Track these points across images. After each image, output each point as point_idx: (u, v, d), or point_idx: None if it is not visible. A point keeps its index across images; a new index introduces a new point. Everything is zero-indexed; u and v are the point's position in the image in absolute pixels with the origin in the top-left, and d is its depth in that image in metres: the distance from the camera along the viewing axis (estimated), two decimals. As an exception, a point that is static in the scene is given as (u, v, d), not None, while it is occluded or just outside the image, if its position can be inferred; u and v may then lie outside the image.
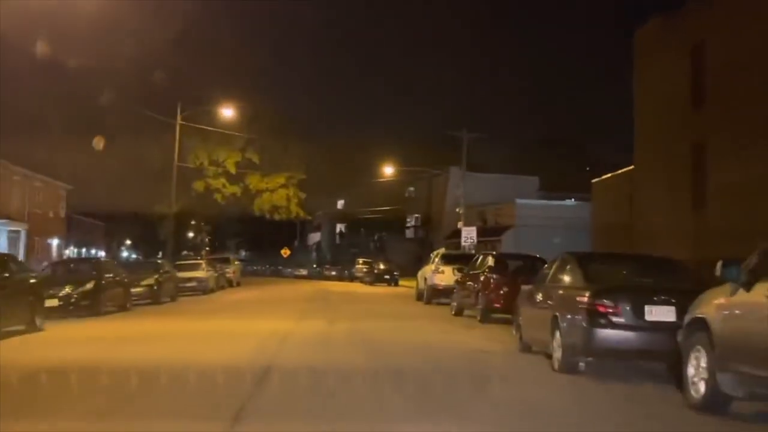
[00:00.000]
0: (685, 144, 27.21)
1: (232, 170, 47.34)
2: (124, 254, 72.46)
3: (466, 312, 22.27)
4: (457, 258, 28.75)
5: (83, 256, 59.15)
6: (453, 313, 22.76)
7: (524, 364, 11.97)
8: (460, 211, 60.14)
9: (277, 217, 51.53)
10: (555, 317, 10.84)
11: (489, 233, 66.74)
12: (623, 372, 10.75)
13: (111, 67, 44.67)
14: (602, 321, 9.96)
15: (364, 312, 23.60)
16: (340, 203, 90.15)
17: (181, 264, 39.66)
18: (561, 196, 69.38)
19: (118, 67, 44.86)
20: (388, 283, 53.24)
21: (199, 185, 47.80)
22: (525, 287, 13.45)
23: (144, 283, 28.10)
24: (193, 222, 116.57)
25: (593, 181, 38.95)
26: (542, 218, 64.12)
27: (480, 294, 20.07)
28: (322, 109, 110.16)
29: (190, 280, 36.57)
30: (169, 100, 42.95)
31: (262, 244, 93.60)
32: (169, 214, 43.49)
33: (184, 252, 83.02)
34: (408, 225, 77.93)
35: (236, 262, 49.60)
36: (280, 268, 78.25)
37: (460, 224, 60.78)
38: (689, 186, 26.82)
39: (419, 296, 31.13)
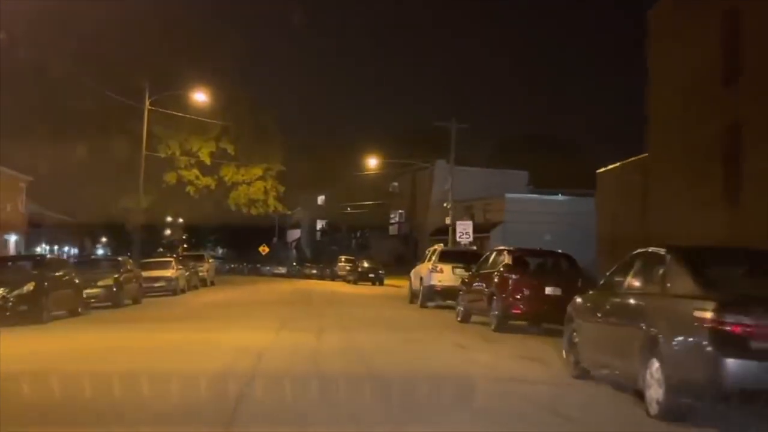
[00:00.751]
0: (714, 126, 23.92)
1: (206, 161, 43.67)
2: (100, 251, 68.46)
3: (474, 318, 18.91)
4: (457, 255, 25.39)
5: (46, 253, 55.19)
6: (459, 319, 19.36)
7: (598, 403, 8.56)
8: (448, 206, 56.77)
9: (254, 211, 47.84)
10: (652, 339, 7.42)
11: (477, 230, 63.35)
12: (737, 417, 7.35)
13: (74, 49, 40.97)
14: (737, 347, 6.65)
15: (355, 319, 20.16)
16: (321, 199, 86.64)
17: (147, 262, 36.05)
18: (550, 191, 66.30)
19: (81, 50, 41.19)
20: (372, 282, 49.85)
21: (170, 177, 44.06)
22: (583, 295, 10.03)
23: (101, 283, 24.53)
24: (169, 219, 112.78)
25: (598, 171, 35.69)
26: (532, 214, 61.04)
27: (495, 298, 16.69)
28: (302, 99, 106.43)
29: (157, 279, 32.98)
30: (138, 84, 39.27)
31: (239, 242, 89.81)
32: (137, 208, 39.78)
33: (160, 250, 79.77)
34: (391, 221, 74.55)
35: (210, 260, 45.98)
36: (258, 266, 74.53)
37: (448, 220, 57.43)
38: (719, 175, 23.54)
39: (413, 298, 27.77)
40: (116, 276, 25.48)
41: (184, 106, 41.34)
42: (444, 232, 68.97)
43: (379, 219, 71.53)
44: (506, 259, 17.23)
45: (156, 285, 32.98)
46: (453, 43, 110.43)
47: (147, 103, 38.81)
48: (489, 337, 15.44)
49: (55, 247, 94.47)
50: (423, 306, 25.13)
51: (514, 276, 16.43)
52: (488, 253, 19.03)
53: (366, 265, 51.33)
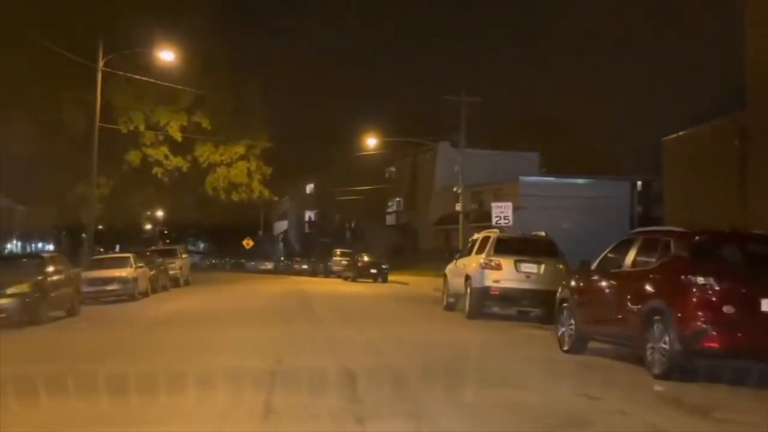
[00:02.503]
0: None
1: (177, 137, 35.80)
2: (49, 248, 60.51)
3: (593, 345, 11.35)
4: (522, 245, 17.72)
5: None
6: (565, 348, 11.64)
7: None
8: (459, 191, 49.23)
9: (235, 197, 39.91)
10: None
11: (485, 218, 55.85)
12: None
13: None
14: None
15: (393, 348, 12.48)
16: (310, 188, 78.89)
17: (99, 260, 28.32)
18: (563, 175, 58.91)
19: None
20: (374, 278, 42.30)
21: (133, 156, 36.13)
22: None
23: (12, 291, 16.79)
24: (148, 212, 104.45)
25: (666, 138, 28.19)
26: (549, 198, 53.70)
27: (664, 318, 9.04)
28: (287, 74, 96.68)
29: (108, 281, 25.27)
30: (93, 42, 31.43)
31: (221, 235, 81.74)
32: (90, 194, 31.95)
33: (142, 247, 72.23)
34: (389, 210, 66.90)
35: (185, 255, 38.14)
36: (242, 261, 66.67)
37: (458, 206, 49.84)
38: None
39: (450, 304, 20.22)
40: (39, 279, 17.77)
41: (147, 71, 33.51)
42: (451, 221, 61.32)
43: (375, 208, 63.88)
44: (680, 248, 9.44)
45: (108, 288, 25.30)
46: (456, 20, 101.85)
47: (100, 62, 30.94)
48: (670, 396, 7.87)
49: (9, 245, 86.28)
50: (472, 317, 17.55)
51: (707, 281, 8.74)
52: (629, 237, 11.08)
53: (366, 259, 43.69)
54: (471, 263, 18.07)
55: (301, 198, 78.96)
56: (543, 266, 17.00)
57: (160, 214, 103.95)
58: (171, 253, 37.29)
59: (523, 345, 13.23)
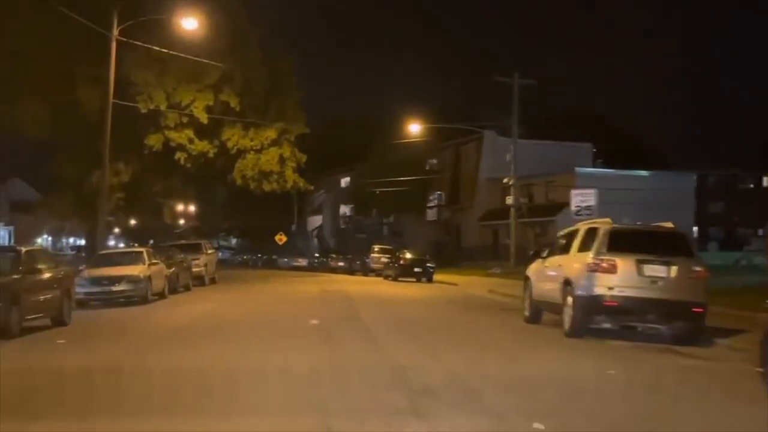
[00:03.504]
0: None
1: (202, 118, 31.65)
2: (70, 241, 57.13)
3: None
4: (645, 240, 13.01)
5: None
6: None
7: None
8: (510, 182, 44.73)
9: (266, 187, 35.62)
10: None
11: (537, 212, 51.36)
12: None
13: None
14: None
15: (499, 395, 8.03)
16: (345, 181, 74.61)
17: (105, 255, 24.23)
18: (622, 167, 54.02)
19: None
20: (418, 277, 37.87)
21: (153, 140, 32.02)
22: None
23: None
24: (180, 206, 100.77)
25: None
26: (606, 192, 48.80)
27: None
28: (325, 53, 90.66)
29: (115, 280, 21.15)
30: (107, 11, 27.45)
31: (253, 230, 77.84)
32: (102, 180, 27.93)
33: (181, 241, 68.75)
34: (429, 205, 62.36)
35: (210, 251, 34.02)
36: (274, 258, 62.57)
37: (509, 199, 45.36)
38: None
39: (534, 315, 15.67)
40: (8, 280, 13.64)
41: (170, 44, 29.41)
42: (498, 216, 56.66)
43: (414, 202, 59.33)
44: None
45: (115, 289, 21.21)
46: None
47: (115, 29, 26.90)
48: None
49: (48, 238, 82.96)
50: (575, 335, 13.01)
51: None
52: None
53: (409, 256, 39.19)
54: (571, 263, 13.51)
55: (336, 192, 74.74)
56: (674, 268, 12.46)
57: (192, 209, 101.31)
58: (195, 249, 33.20)
59: (692, 388, 8.73)
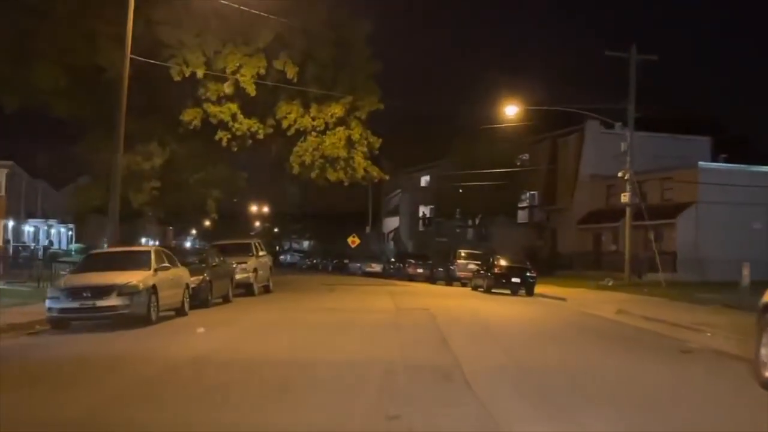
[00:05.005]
0: None
1: (250, 89, 25.07)
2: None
3: None
4: None
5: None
6: None
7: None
8: (626, 176, 36.76)
9: (332, 176, 28.73)
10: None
11: (653, 214, 42.94)
12: None
13: None
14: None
15: None
16: (425, 179, 67.41)
17: (96, 256, 17.65)
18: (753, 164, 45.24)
19: None
20: (514, 290, 30.55)
21: (189, 115, 25.48)
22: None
23: None
24: (254, 207, 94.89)
25: None
26: (733, 191, 40.50)
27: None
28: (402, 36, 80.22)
29: (103, 292, 14.54)
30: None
31: (325, 232, 71.33)
32: (115, 165, 21.46)
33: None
34: (521, 205, 54.65)
35: (261, 253, 27.36)
36: (346, 262, 55.81)
37: (624, 197, 37.38)
38: None
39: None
40: None
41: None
42: (602, 218, 48.56)
43: (503, 202, 51.66)
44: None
45: (101, 304, 14.56)
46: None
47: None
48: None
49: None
50: None
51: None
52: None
53: (504, 263, 31.74)
54: None
55: (414, 191, 67.54)
56: None
57: (266, 209, 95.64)
58: (242, 250, 26.66)
59: None
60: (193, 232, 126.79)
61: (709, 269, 37.86)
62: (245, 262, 25.77)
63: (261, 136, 26.69)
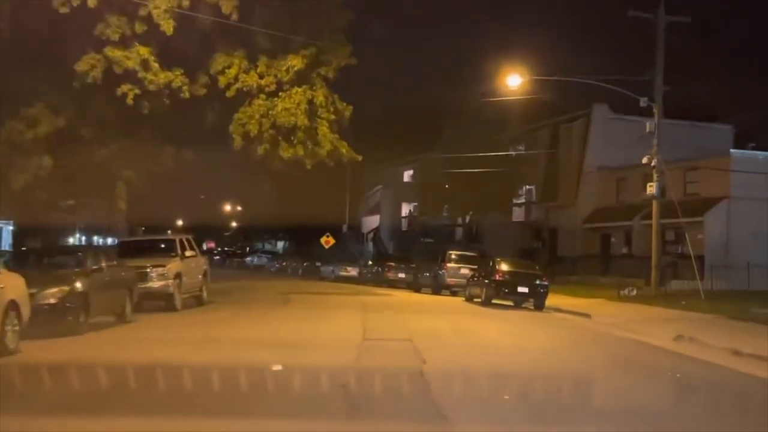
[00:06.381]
0: None
1: (166, 28, 17.82)
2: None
3: None
4: None
5: None
6: None
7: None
8: (652, 163, 29.80)
9: (285, 153, 21.29)
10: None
11: (673, 211, 36.07)
12: None
13: None
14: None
15: None
16: (408, 174, 60.30)
17: None
18: None
19: None
20: (517, 301, 23.71)
21: (86, 65, 18.09)
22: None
23: None
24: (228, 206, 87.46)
25: None
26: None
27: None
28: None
29: None
30: None
31: (299, 233, 63.80)
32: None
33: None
34: (516, 202, 47.65)
35: (190, 254, 20.11)
36: (317, 264, 48.42)
37: (651, 187, 30.43)
38: None
39: None
40: None
41: None
42: (612, 216, 41.51)
43: (496, 198, 44.58)
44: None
45: None
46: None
47: None
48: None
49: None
50: None
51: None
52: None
53: (506, 267, 24.61)
54: None
55: (396, 187, 60.30)
56: None
57: (239, 208, 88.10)
58: (159, 249, 19.56)
59: None
60: (169, 231, 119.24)
61: (740, 276, 31.16)
62: (162, 266, 18.62)
63: (186, 95, 19.40)
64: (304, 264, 51.63)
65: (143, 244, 20.30)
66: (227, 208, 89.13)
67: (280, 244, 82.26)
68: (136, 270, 17.69)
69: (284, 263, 57.45)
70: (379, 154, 50.66)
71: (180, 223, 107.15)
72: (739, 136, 43.55)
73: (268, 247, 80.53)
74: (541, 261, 41.08)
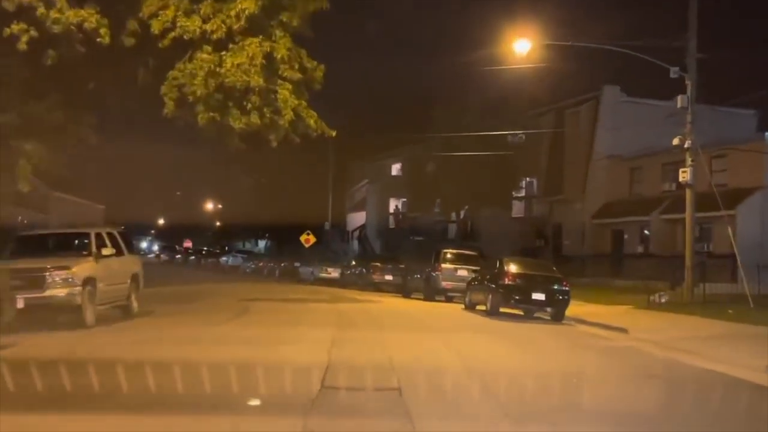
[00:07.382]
0: None
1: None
2: None
3: None
4: None
5: None
6: None
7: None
8: (686, 144, 24.96)
9: (236, 123, 16.38)
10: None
11: (701, 204, 31.32)
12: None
13: None
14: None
15: None
16: (396, 168, 55.43)
17: None
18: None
19: None
20: (532, 310, 18.95)
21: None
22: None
23: None
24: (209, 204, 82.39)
25: None
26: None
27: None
28: None
29: None
30: None
31: (281, 232, 58.66)
32: None
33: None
34: (516, 195, 42.86)
35: (108, 252, 15.12)
36: (296, 265, 43.31)
37: (685, 175, 25.35)
38: None
39: None
40: None
41: None
42: (626, 210, 36.14)
43: (493, 192, 39.79)
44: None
45: None
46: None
47: None
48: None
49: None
50: None
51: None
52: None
53: (516, 269, 19.77)
54: None
55: (384, 182, 55.36)
56: None
57: (219, 206, 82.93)
58: (67, 246, 14.78)
59: None
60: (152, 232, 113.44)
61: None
62: (67, 268, 13.70)
63: (106, 40, 14.46)
64: (282, 264, 46.54)
65: (46, 240, 15.37)
66: (209, 206, 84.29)
67: (262, 244, 77.22)
68: (28, 273, 13.01)
69: (260, 263, 52.33)
70: (360, 140, 46.02)
71: (161, 222, 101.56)
72: (762, 121, 39.07)
73: (249, 246, 75.49)
74: (542, 258, 36.46)
